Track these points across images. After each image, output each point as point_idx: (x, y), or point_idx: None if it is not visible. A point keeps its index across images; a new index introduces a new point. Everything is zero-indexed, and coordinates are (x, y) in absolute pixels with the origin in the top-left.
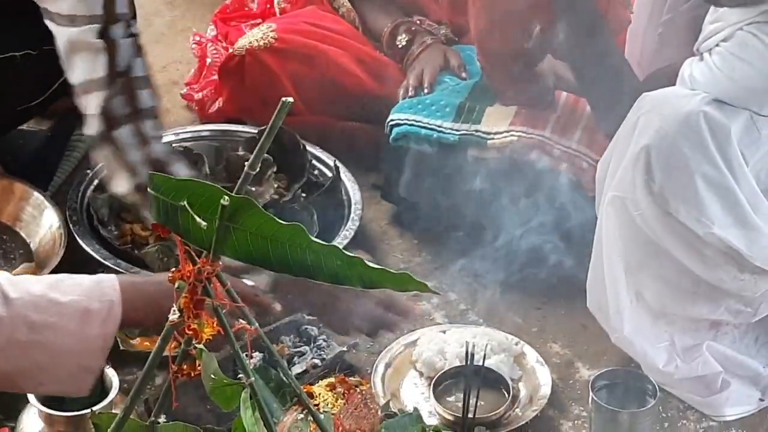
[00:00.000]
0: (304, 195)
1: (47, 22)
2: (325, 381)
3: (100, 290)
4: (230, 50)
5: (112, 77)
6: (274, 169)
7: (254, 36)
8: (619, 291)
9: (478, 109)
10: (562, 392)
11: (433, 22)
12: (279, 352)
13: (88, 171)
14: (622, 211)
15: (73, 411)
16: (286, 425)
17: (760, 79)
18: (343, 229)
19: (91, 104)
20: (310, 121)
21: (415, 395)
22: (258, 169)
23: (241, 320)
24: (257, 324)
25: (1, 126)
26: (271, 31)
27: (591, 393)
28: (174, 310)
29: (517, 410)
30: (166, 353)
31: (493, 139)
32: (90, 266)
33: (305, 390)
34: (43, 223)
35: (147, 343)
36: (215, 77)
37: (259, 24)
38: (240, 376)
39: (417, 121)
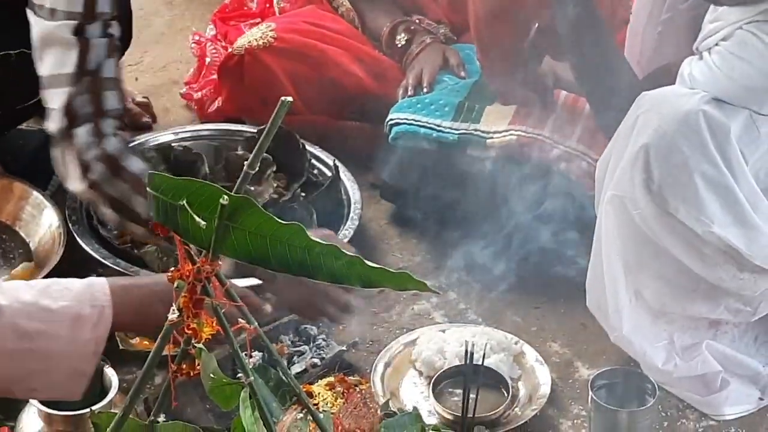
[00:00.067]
0: (303, 194)
1: (28, 12)
2: (325, 380)
3: (90, 295)
4: (229, 50)
5: (79, 75)
6: (274, 169)
7: (253, 35)
8: (618, 290)
9: (478, 108)
10: (561, 391)
11: (432, 21)
12: (278, 351)
13: None
14: (621, 210)
15: (72, 410)
16: (286, 425)
17: (759, 78)
18: (343, 229)
19: (55, 99)
20: (310, 120)
21: (415, 394)
22: (257, 169)
23: (240, 319)
24: (256, 323)
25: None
26: (271, 31)
27: (590, 392)
28: (173, 310)
29: (517, 409)
30: (165, 352)
31: (492, 138)
32: (89, 265)
33: (304, 389)
34: (42, 222)
35: (146, 343)
36: (214, 77)
37: (258, 23)
38: (239, 375)
39: (416, 121)
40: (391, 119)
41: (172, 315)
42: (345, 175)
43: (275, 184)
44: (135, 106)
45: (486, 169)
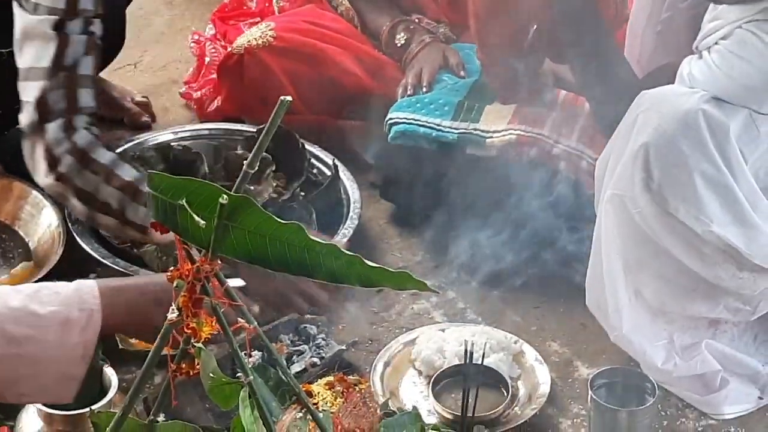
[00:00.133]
0: (302, 194)
1: (14, 5)
2: (324, 380)
3: (79, 298)
4: (229, 49)
5: (55, 69)
6: (273, 168)
7: (253, 35)
8: (617, 289)
9: (477, 107)
10: (561, 391)
11: (431, 20)
12: (278, 350)
13: None
14: (621, 209)
15: (72, 410)
16: (285, 424)
17: (759, 77)
18: (342, 228)
19: (29, 92)
20: (309, 119)
21: (414, 394)
22: (257, 168)
23: (240, 319)
24: (256, 323)
25: None
26: (270, 30)
27: (590, 391)
28: (173, 309)
29: (516, 409)
30: (165, 352)
31: (491, 137)
32: (89, 265)
33: (304, 389)
34: (41, 221)
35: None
36: (214, 76)
37: (257, 23)
38: (239, 374)
39: (416, 120)
40: (391, 118)
41: (172, 314)
42: (344, 175)
43: (275, 184)
44: (134, 105)
45: (485, 168)
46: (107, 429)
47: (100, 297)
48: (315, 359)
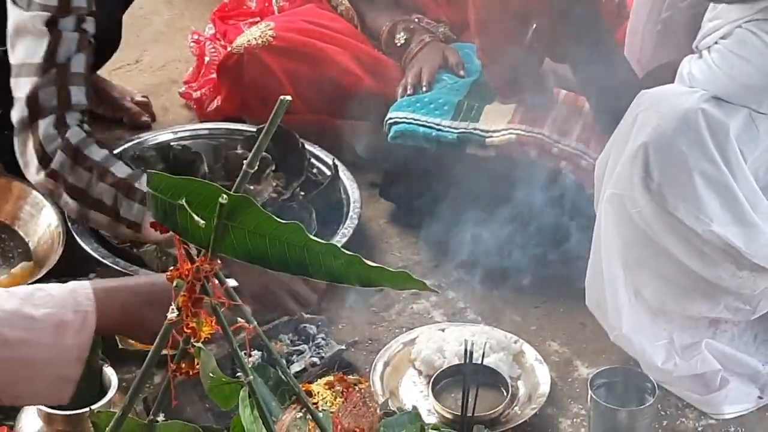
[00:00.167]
0: (302, 193)
1: (7, 1)
2: (324, 379)
3: (73, 300)
4: (228, 49)
5: (47, 66)
6: (273, 168)
7: (252, 34)
8: (617, 289)
9: (477, 107)
10: (561, 390)
11: (431, 20)
12: (277, 350)
13: None
14: (621, 209)
15: (71, 410)
16: (285, 424)
17: (758, 76)
18: (342, 228)
19: (21, 88)
20: (309, 119)
21: (414, 393)
22: (256, 168)
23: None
24: (255, 322)
25: None
26: (270, 30)
27: (590, 391)
28: (172, 309)
29: (516, 408)
30: (164, 352)
31: (491, 137)
32: (88, 265)
33: (304, 388)
34: (41, 221)
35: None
36: (214, 76)
37: (257, 22)
38: (238, 374)
39: (415, 120)
40: (391, 118)
41: (171, 314)
42: (344, 174)
43: (274, 183)
44: (134, 105)
45: (485, 168)
46: (107, 429)
47: (95, 299)
48: (315, 359)
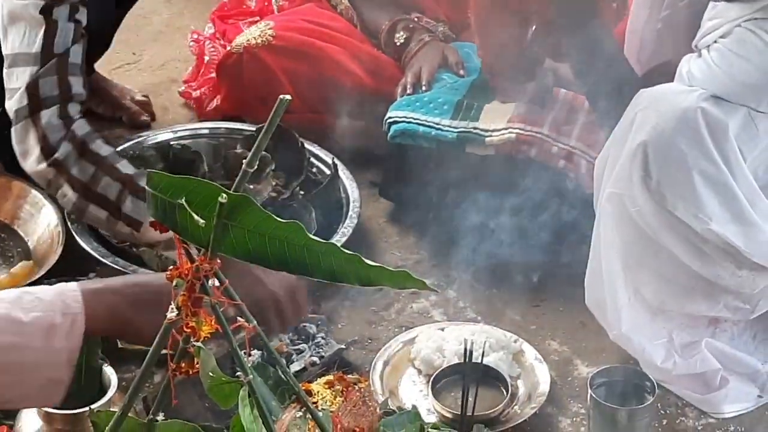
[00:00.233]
0: (302, 193)
1: None
2: (324, 379)
3: (62, 303)
4: (228, 48)
5: (46, 56)
6: (272, 167)
7: (252, 34)
8: (617, 288)
9: (476, 106)
10: (560, 389)
11: (431, 19)
12: (277, 349)
13: None
14: (620, 208)
15: (71, 409)
16: (285, 423)
17: (757, 75)
18: (342, 227)
19: (19, 78)
20: (308, 118)
21: (414, 393)
22: (256, 167)
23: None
24: (255, 321)
25: None
26: (269, 29)
27: (589, 390)
28: (172, 308)
29: (516, 407)
30: (164, 351)
31: (491, 136)
32: (88, 264)
33: (304, 388)
34: (41, 221)
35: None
36: (213, 75)
37: (256, 22)
38: (238, 373)
39: (415, 119)
40: (390, 117)
41: (171, 313)
42: (344, 174)
43: (274, 183)
44: (133, 104)
45: (485, 167)
46: (107, 428)
47: (83, 301)
48: (314, 358)
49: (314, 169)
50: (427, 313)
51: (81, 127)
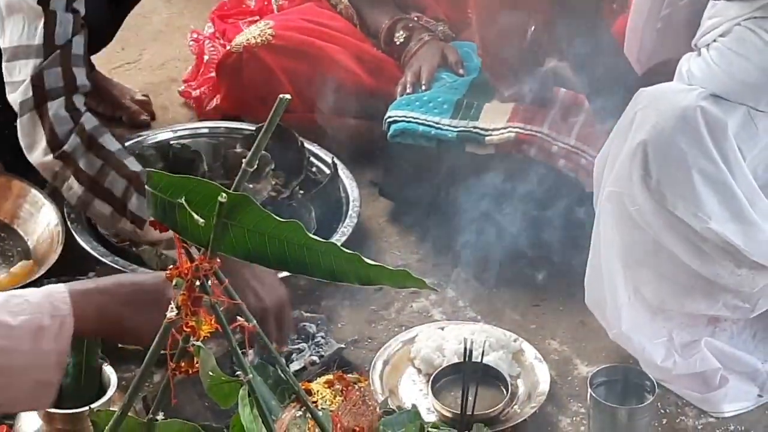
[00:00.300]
0: (301, 192)
1: None
2: (324, 378)
3: (50, 305)
4: (228, 47)
5: (48, 48)
6: (272, 166)
7: (252, 33)
8: (617, 287)
9: (476, 105)
10: (560, 389)
11: (430, 18)
12: (277, 349)
13: None
14: (620, 207)
15: (71, 408)
16: (285, 422)
17: (757, 74)
18: (341, 226)
19: (22, 70)
20: (308, 118)
21: (414, 392)
22: (256, 166)
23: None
24: (255, 321)
25: None
26: (269, 28)
27: (589, 389)
28: (172, 307)
29: (516, 407)
30: (164, 350)
31: (491, 135)
32: (88, 263)
33: (303, 387)
34: (40, 220)
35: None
36: (213, 74)
37: (256, 21)
38: (238, 373)
39: (415, 118)
40: (390, 117)
41: (171, 313)
42: (343, 173)
43: (273, 182)
44: (133, 104)
45: (485, 166)
46: (106, 427)
47: (71, 302)
48: (314, 357)
49: (314, 169)
50: (427, 312)
51: (89, 120)
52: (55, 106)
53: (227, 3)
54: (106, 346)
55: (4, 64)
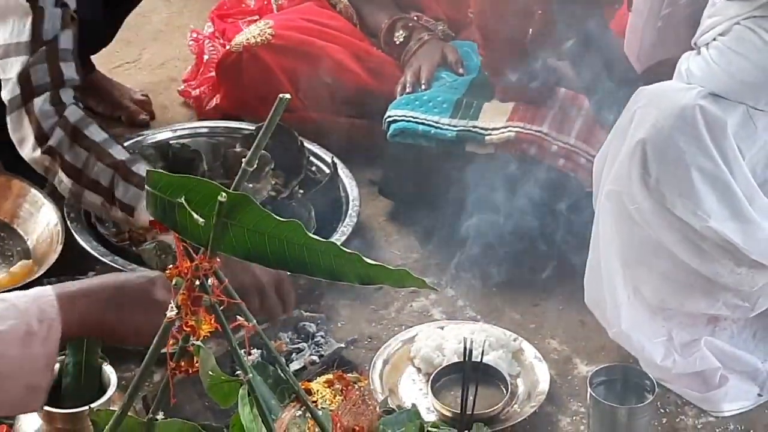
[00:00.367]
0: (301, 191)
1: None
2: (323, 377)
3: (38, 309)
4: (227, 47)
5: (35, 44)
6: (272, 166)
7: (251, 32)
8: (616, 286)
9: (476, 105)
10: (560, 388)
11: (430, 18)
12: (277, 348)
13: None
14: (619, 205)
15: (71, 408)
16: (285, 422)
17: (756, 73)
18: (341, 226)
19: (11, 68)
20: (308, 117)
21: (413, 391)
22: (255, 166)
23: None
24: (255, 320)
25: None
26: (269, 28)
27: (589, 389)
28: (171, 307)
29: (516, 406)
30: (164, 350)
31: (490, 134)
32: (87, 263)
33: (303, 387)
34: (40, 220)
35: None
36: (212, 74)
37: (256, 20)
38: (238, 372)
39: (414, 118)
40: (390, 116)
41: (171, 312)
42: (343, 172)
43: (273, 182)
44: (132, 103)
45: (484, 165)
46: (106, 427)
47: (58, 306)
48: (314, 357)
49: (313, 168)
50: (427, 311)
51: (73, 113)
52: (40, 102)
53: (227, 2)
54: (106, 345)
55: None
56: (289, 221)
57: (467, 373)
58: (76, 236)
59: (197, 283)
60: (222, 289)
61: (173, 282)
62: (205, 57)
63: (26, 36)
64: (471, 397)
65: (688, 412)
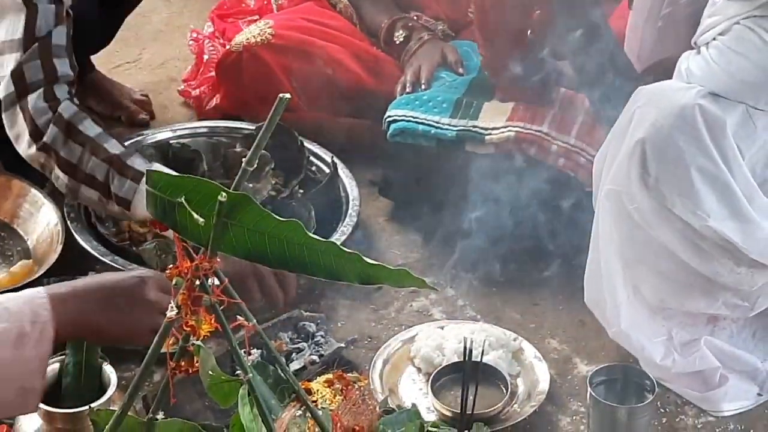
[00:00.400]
0: (301, 191)
1: None
2: (323, 377)
3: (30, 311)
4: (227, 47)
5: (28, 40)
6: (272, 166)
7: (251, 32)
8: (616, 286)
9: (476, 104)
10: (560, 388)
11: (430, 18)
12: (277, 348)
13: None
14: (618, 205)
15: (71, 408)
16: (285, 421)
17: (755, 72)
18: (341, 226)
19: (6, 65)
20: (308, 117)
21: (413, 391)
22: (255, 165)
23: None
24: (255, 320)
25: None
26: (269, 28)
27: (589, 388)
28: (172, 307)
29: (516, 406)
30: (164, 350)
31: (490, 134)
32: (87, 263)
33: (303, 386)
34: (40, 220)
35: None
36: (212, 74)
37: (256, 20)
38: (238, 372)
39: (414, 117)
40: (390, 116)
41: (171, 312)
42: (343, 172)
43: (273, 181)
44: (132, 103)
45: (484, 165)
46: (106, 427)
47: (51, 308)
48: (314, 357)
49: (313, 168)
50: (427, 311)
51: (67, 108)
52: (34, 98)
53: (227, 2)
54: (106, 345)
55: None
56: (289, 221)
57: (467, 373)
58: (76, 236)
59: (197, 283)
60: (222, 289)
61: (173, 282)
62: (205, 57)
63: (19, 33)
64: (471, 397)
65: (687, 412)
